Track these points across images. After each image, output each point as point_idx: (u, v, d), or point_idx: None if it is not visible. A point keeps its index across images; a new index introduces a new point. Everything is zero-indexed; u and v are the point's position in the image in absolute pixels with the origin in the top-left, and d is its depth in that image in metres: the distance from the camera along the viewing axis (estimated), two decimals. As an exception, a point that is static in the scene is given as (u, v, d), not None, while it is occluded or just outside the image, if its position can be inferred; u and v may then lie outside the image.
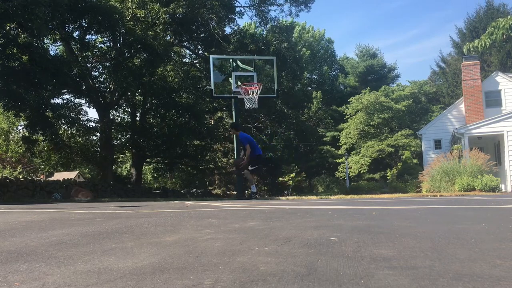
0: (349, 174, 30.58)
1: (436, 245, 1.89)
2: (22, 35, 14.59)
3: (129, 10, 18.82)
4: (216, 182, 33.81)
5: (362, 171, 30.02)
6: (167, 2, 19.37)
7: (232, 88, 13.56)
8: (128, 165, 33.80)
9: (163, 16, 18.94)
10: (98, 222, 3.31)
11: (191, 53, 26.10)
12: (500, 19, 14.40)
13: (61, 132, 19.22)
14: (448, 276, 1.21)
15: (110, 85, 20.42)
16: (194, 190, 27.88)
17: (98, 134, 21.70)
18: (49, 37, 17.94)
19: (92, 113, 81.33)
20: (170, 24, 19.95)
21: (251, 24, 29.57)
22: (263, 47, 22.15)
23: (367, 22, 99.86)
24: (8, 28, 13.56)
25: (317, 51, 46.36)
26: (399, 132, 29.29)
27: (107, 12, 16.75)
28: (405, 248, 1.74)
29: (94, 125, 20.91)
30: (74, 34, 19.35)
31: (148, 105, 22.83)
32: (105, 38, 20.33)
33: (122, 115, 24.83)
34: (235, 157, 11.98)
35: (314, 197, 12.89)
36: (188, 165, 27.41)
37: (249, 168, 9.55)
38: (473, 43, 15.22)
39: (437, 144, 21.96)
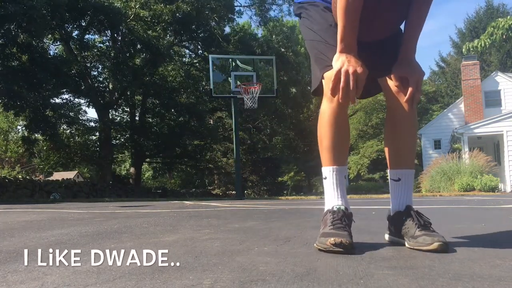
0: (349, 174, 30.58)
1: (436, 245, 1.89)
2: (21, 35, 14.59)
3: (132, 10, 18.79)
4: (216, 182, 33.79)
5: (361, 172, 30.00)
6: (171, 0, 19.31)
7: (231, 87, 13.59)
8: (127, 165, 33.76)
9: (167, 16, 18.89)
10: (97, 222, 3.31)
11: (190, 53, 26.10)
12: (500, 19, 14.42)
13: (60, 132, 19.22)
14: (448, 276, 1.21)
15: (110, 85, 20.42)
16: (194, 190, 27.86)
17: (97, 133, 21.71)
18: (49, 36, 17.93)
19: (92, 113, 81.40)
20: (171, 24, 19.94)
21: (251, 24, 29.56)
22: (264, 47, 22.15)
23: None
24: (7, 28, 13.55)
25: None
26: (399, 132, 29.28)
27: (108, 11, 16.74)
28: (405, 247, 1.74)
29: (93, 124, 20.92)
30: (73, 34, 19.34)
31: (148, 104, 22.83)
32: (105, 38, 20.34)
33: (122, 115, 24.82)
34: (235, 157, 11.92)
35: (314, 197, 12.90)
36: (187, 165, 27.40)
37: None
38: (473, 43, 15.22)
39: (437, 144, 21.94)
